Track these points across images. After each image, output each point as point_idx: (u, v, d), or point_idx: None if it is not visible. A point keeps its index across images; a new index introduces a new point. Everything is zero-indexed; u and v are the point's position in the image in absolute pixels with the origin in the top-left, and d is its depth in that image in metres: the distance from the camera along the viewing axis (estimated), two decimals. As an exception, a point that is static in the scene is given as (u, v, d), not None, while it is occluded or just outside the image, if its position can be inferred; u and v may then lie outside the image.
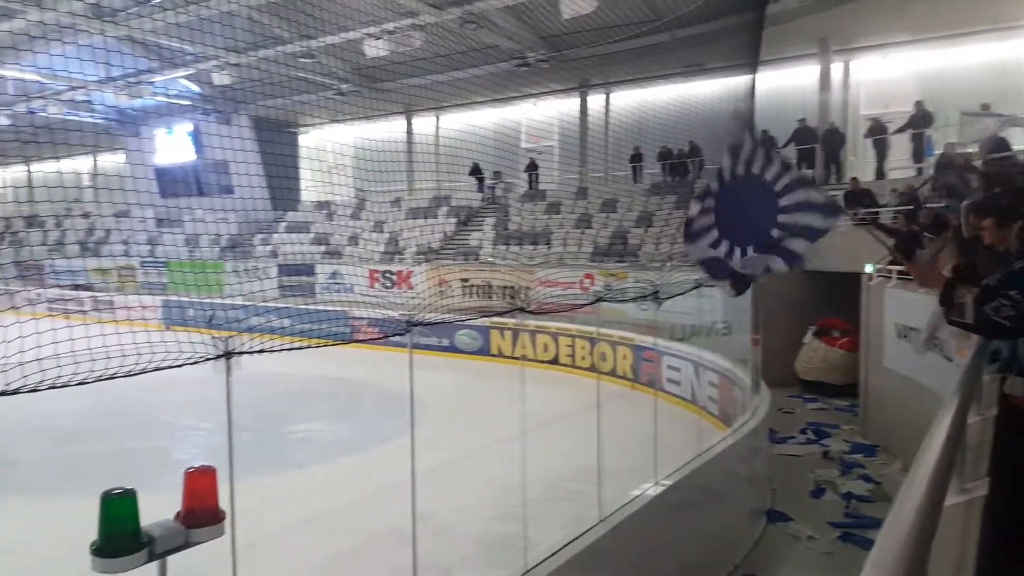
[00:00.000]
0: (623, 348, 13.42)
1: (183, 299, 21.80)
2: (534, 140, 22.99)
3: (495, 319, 15.88)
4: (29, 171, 37.40)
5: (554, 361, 14.98)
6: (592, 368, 13.80)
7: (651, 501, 5.12)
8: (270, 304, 19.61)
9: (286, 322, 16.46)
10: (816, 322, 13.20)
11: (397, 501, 7.58)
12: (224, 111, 24.99)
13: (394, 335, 5.88)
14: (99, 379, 3.04)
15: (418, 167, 25.43)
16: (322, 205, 25.68)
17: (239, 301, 19.29)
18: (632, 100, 20.95)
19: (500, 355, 16.06)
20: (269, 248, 24.64)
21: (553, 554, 4.24)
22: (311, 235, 24.29)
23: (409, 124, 26.09)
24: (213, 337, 3.39)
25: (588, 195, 20.70)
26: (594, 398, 6.24)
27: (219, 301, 19.82)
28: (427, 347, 16.47)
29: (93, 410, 12.20)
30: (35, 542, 6.86)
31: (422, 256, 20.42)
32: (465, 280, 17.91)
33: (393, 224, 22.77)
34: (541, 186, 22.58)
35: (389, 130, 25.76)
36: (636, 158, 20.72)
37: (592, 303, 7.39)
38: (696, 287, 7.99)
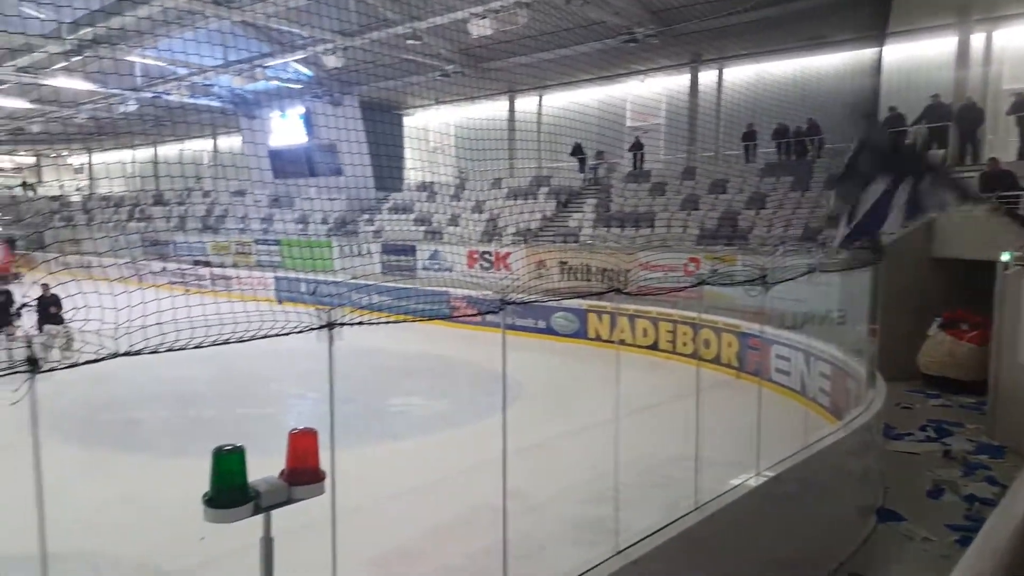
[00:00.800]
0: (728, 335, 13.05)
1: (293, 275, 23.02)
2: (640, 118, 22.55)
3: (593, 302, 15.81)
4: (156, 153, 40.34)
5: (653, 347, 14.76)
6: (694, 355, 13.51)
7: (751, 491, 4.99)
8: (373, 282, 20.37)
9: (387, 299, 17.06)
10: (942, 313, 12.35)
11: (490, 478, 7.75)
12: (334, 94, 25.97)
13: (488, 312, 5.93)
14: (214, 343, 3.27)
15: (519, 148, 25.55)
16: (424, 186, 26.30)
17: (344, 278, 20.14)
18: (746, 75, 20.12)
19: (597, 339, 16.00)
20: (373, 228, 25.52)
21: (645, 538, 4.22)
22: (413, 215, 24.95)
23: (511, 104, 26.20)
24: (317, 309, 3.57)
25: (696, 175, 20.14)
26: (694, 385, 6.11)
27: (326, 278, 20.76)
28: (523, 328, 16.64)
29: (209, 378, 13.14)
30: (156, 493, 7.50)
31: (520, 237, 20.55)
32: (563, 262, 17.90)
33: (493, 205, 23.03)
34: (646, 166, 22.16)
35: (491, 111, 25.99)
36: (749, 136, 19.92)
37: (694, 285, 7.21)
38: (809, 272, 7.64)
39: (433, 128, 26.98)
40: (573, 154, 22.62)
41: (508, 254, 19.38)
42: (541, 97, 25.42)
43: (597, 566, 4.04)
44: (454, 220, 23.34)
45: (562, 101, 23.42)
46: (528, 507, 6.83)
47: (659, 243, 17.31)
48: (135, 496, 7.51)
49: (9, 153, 44.73)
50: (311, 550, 4.14)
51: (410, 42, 19.48)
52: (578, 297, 14.26)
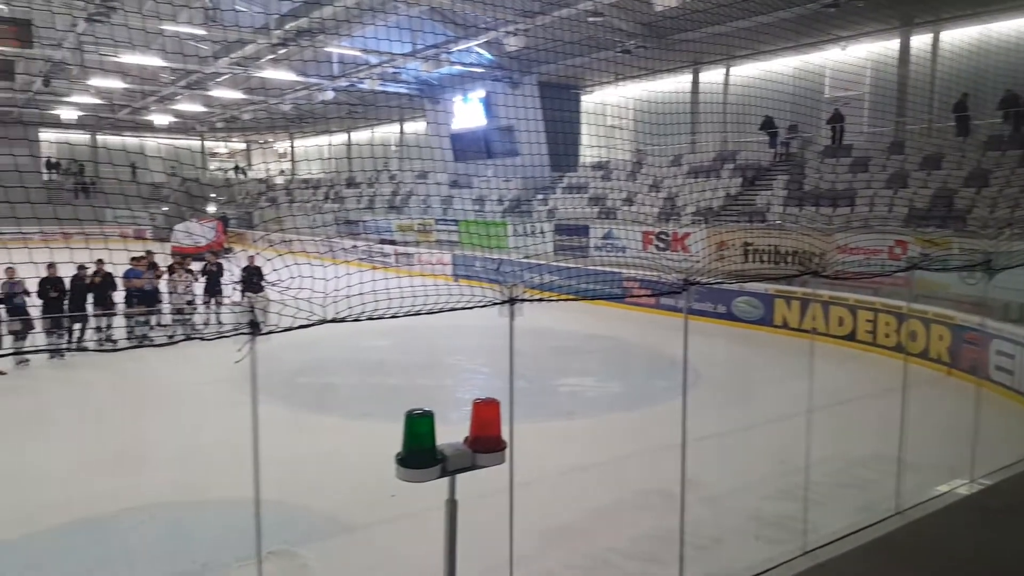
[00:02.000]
0: (939, 327, 11.85)
1: (470, 254, 24.00)
2: (841, 88, 20.90)
3: (781, 287, 15.00)
4: (349, 138, 43.60)
5: (850, 337, 13.75)
6: (898, 348, 12.42)
7: (963, 500, 4.55)
8: (545, 262, 20.72)
9: (559, 279, 17.29)
10: None
11: (662, 463, 7.68)
12: (513, 76, 26.58)
13: (667, 294, 5.84)
14: (407, 314, 3.52)
15: (702, 122, 24.66)
16: (600, 165, 26.23)
17: (519, 258, 20.67)
18: (967, 37, 17.97)
19: (784, 326, 15.17)
20: (547, 208, 25.91)
21: (837, 540, 4.00)
22: (587, 195, 25.00)
23: (696, 77, 25.32)
24: (492, 287, 3.74)
25: (905, 150, 18.35)
26: (897, 381, 5.65)
27: (501, 257, 21.41)
28: (702, 313, 16.16)
29: (394, 349, 14.13)
30: (347, 452, 8.23)
31: (701, 217, 19.91)
32: (748, 243, 17.11)
33: (671, 183, 22.47)
34: (846, 140, 20.54)
35: (674, 85, 25.29)
36: (960, 107, 17.82)
37: (905, 270, 6.62)
38: (1043, 258, 6.74)
39: (611, 107, 26.79)
40: (763, 128, 21.46)
41: (687, 235, 18.87)
42: (728, 68, 24.32)
43: (780, 565, 3.89)
44: (630, 199, 23.09)
45: (752, 72, 22.23)
46: (704, 497, 6.68)
47: (860, 224, 16.02)
48: (329, 453, 8.28)
49: (224, 140, 50.45)
50: (487, 517, 4.36)
51: (592, 19, 19.42)
52: (769, 280, 13.57)
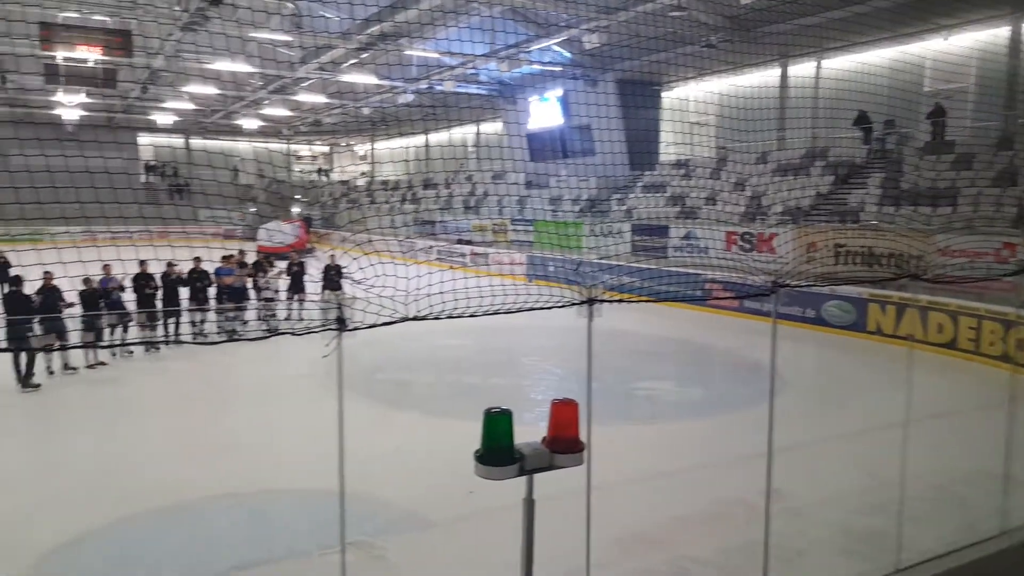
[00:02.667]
0: (1051, 337, 11.11)
1: (545, 255, 24.03)
2: (943, 81, 19.86)
3: (876, 291, 14.39)
4: (427, 140, 44.38)
5: (950, 345, 13.06)
6: (1004, 358, 11.71)
7: (1079, 524, 4.25)
8: (623, 263, 20.52)
9: (637, 280, 17.08)
10: None
11: (745, 472, 7.51)
12: (591, 74, 26.46)
13: (756, 296, 5.70)
14: (487, 313, 3.57)
15: (791, 118, 23.89)
16: (680, 164, 25.79)
17: (595, 259, 20.55)
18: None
19: (878, 332, 14.53)
20: (624, 208, 25.65)
21: (935, 558, 3.80)
22: (666, 195, 24.61)
23: (784, 71, 24.56)
24: (578, 285, 3.73)
25: (1014, 145, 17.28)
26: (1003, 393, 5.34)
27: (577, 258, 21.34)
28: (790, 317, 15.67)
29: (470, 348, 14.31)
30: (425, 447, 8.42)
31: (788, 217, 19.30)
32: (840, 245, 16.47)
33: (757, 182, 21.87)
34: (948, 135, 19.50)
35: (760, 80, 24.60)
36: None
37: (1012, 274, 6.25)
38: None
39: (692, 103, 26.30)
40: (856, 123, 20.61)
41: (773, 235, 18.33)
42: (820, 61, 23.47)
43: (872, 581, 3.74)
44: (712, 198, 22.60)
45: (845, 64, 21.34)
46: (788, 509, 6.49)
47: (963, 224, 15.18)
48: (407, 449, 8.45)
49: (308, 143, 52.19)
50: (563, 520, 4.36)
51: (674, 14, 19.13)
52: (864, 283, 13.04)
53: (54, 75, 24.95)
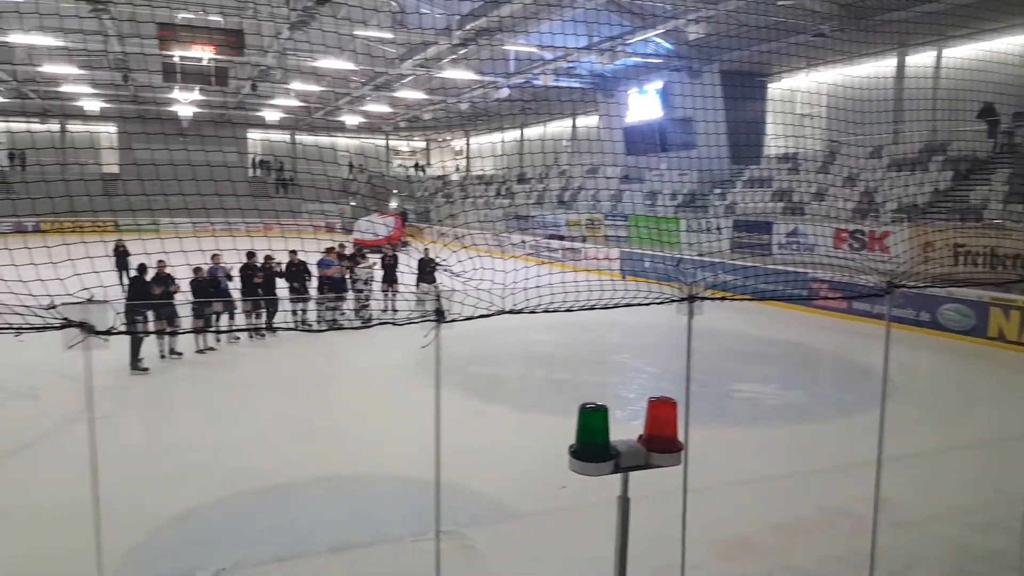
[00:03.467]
0: None
1: (640, 251, 23.70)
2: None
3: (999, 294, 13.46)
4: (521, 135, 44.59)
5: (1084, 356, 12.08)
6: None
7: None
8: (723, 260, 19.99)
9: (737, 278, 16.62)
10: None
11: (850, 480, 7.21)
12: (694, 65, 25.87)
13: (868, 296, 5.45)
14: (583, 308, 3.57)
15: (908, 110, 22.59)
16: (786, 158, 24.87)
17: (693, 256, 20.12)
18: None
19: (1000, 338, 13.59)
20: (725, 203, 24.97)
21: (1064, 584, 3.54)
22: (771, 190, 23.79)
23: (901, 61, 23.25)
24: (676, 282, 3.68)
25: None
26: None
27: (677, 255, 20.94)
28: (903, 320, 14.86)
29: (560, 344, 14.31)
30: (515, 441, 8.53)
31: (903, 214, 18.29)
32: (960, 244, 15.47)
33: (870, 177, 20.82)
34: (1086, 128, 18.00)
35: (874, 70, 23.39)
36: None
37: None
38: None
39: (800, 95, 25.28)
40: (981, 116, 19.29)
41: (886, 233, 17.41)
42: (940, 50, 22.09)
43: (992, 604, 3.51)
44: (820, 194, 21.69)
45: (969, 53, 20.01)
46: (897, 521, 6.19)
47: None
48: (497, 442, 8.56)
49: (406, 138, 53.48)
50: (656, 520, 4.31)
51: (782, 2, 18.47)
52: (987, 286, 12.23)
53: (171, 73, 26.49)
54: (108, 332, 2.99)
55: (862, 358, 13.00)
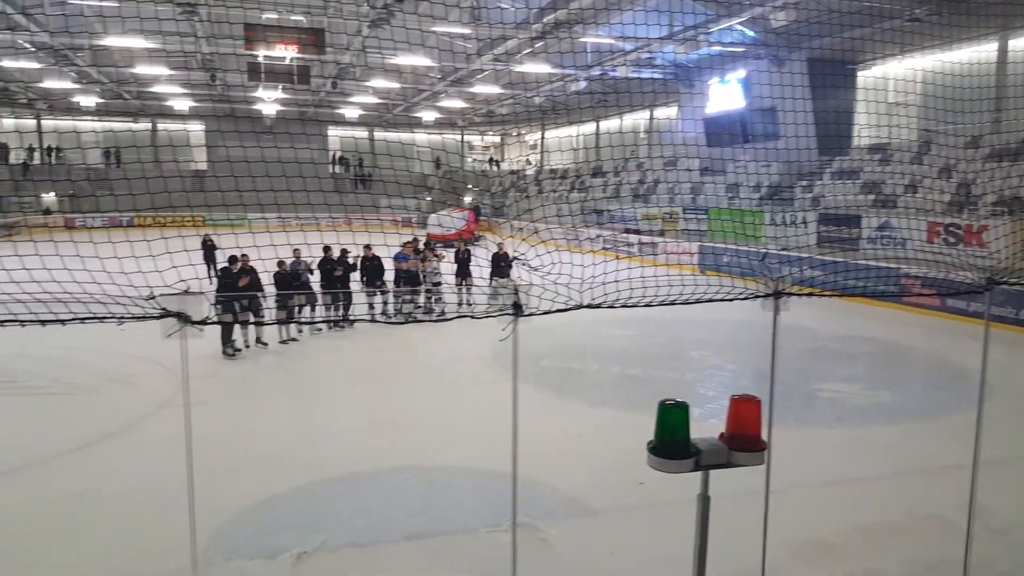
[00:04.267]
0: None
1: (719, 246, 23.18)
2: None
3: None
4: (597, 127, 44.24)
5: None
6: None
7: None
8: (808, 255, 19.35)
9: (826, 274, 16.07)
10: None
11: (941, 485, 6.91)
12: (778, 53, 25.09)
13: (966, 293, 5.19)
14: (662, 303, 3.53)
15: (1011, 98, 21.30)
16: (876, 149, 23.84)
17: (779, 251, 19.56)
18: None
19: (1113, 342, 12.72)
20: (811, 196, 24.14)
21: None
22: (860, 182, 22.86)
23: (1003, 45, 21.93)
24: (764, 276, 3.59)
25: None
26: None
27: (762, 250, 20.42)
28: (1002, 319, 14.09)
29: (635, 339, 14.17)
30: (589, 436, 8.54)
31: (1003, 208, 17.28)
32: (1066, 240, 14.54)
33: (966, 169, 19.76)
34: None
35: (973, 56, 22.15)
36: None
37: None
38: None
39: (892, 83, 24.19)
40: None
41: (984, 227, 16.50)
42: (1047, 32, 20.76)
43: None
44: (913, 186, 20.71)
45: (1081, 34, 18.78)
46: (993, 528, 5.90)
47: None
48: (570, 437, 8.56)
49: (481, 133, 53.87)
50: (733, 520, 4.23)
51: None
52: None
53: (256, 73, 27.48)
54: (203, 322, 3.16)
55: (955, 358, 12.40)
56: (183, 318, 3.13)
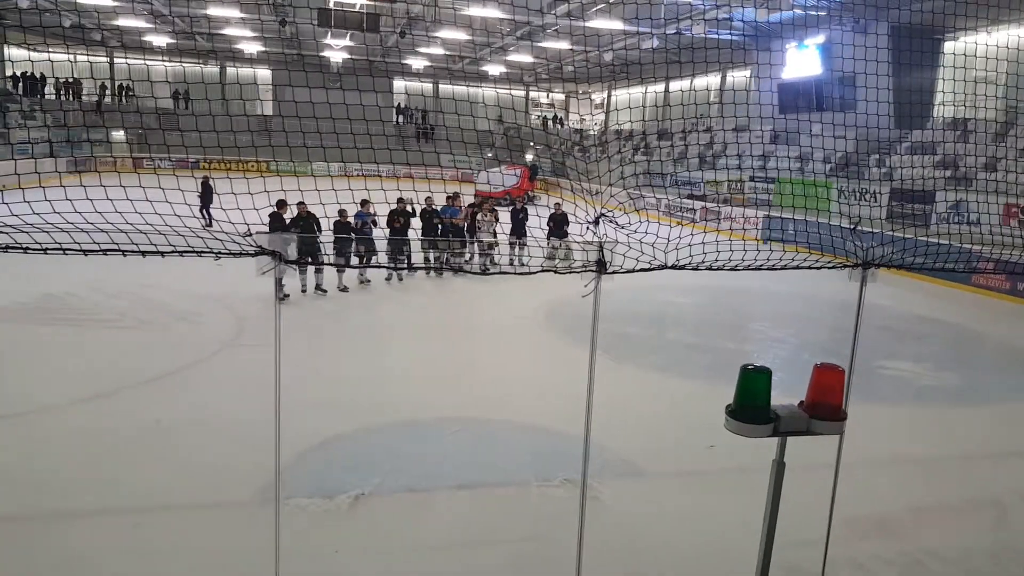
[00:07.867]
0: None
1: (785, 216, 22.57)
2: None
3: None
4: (667, 88, 43.18)
5: None
6: None
7: None
8: (877, 231, 18.71)
9: (897, 251, 15.59)
10: None
11: (1004, 470, 6.77)
12: (862, 19, 23.96)
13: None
14: (722, 268, 3.50)
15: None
16: (957, 123, 22.75)
17: (856, 225, 18.97)
18: None
19: None
20: (884, 170, 23.26)
21: None
22: (937, 157, 21.91)
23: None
24: (854, 243, 3.51)
25: None
26: None
27: (854, 222, 19.83)
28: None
29: (694, 307, 14.04)
30: (641, 401, 8.45)
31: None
32: None
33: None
34: None
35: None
36: None
37: None
38: None
39: (981, 55, 22.91)
40: None
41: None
42: None
43: None
44: (992, 165, 19.77)
45: None
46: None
47: None
48: (623, 400, 8.56)
49: (547, 90, 53.17)
50: (790, 491, 4.22)
51: (971, -51, 16.66)
52: None
53: (326, 20, 27.49)
54: (297, 262, 3.26)
55: (1023, 343, 12.03)
56: (278, 256, 3.24)
